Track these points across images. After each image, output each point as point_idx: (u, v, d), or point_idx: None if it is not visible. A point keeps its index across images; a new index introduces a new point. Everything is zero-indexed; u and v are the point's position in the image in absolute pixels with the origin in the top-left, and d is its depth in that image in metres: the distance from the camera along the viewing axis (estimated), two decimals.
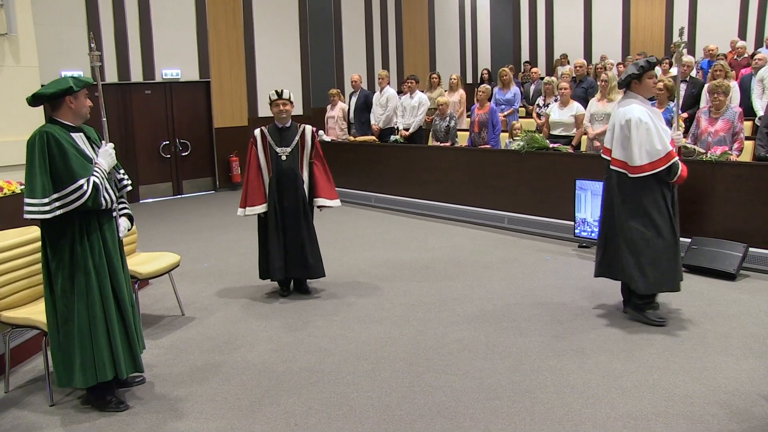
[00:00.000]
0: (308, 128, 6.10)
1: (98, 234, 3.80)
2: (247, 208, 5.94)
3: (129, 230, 4.13)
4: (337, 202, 6.17)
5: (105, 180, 3.78)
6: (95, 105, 3.94)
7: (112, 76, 11.49)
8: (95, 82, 3.99)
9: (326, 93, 12.34)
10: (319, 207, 6.07)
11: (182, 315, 5.66)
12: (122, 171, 4.14)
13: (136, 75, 11.93)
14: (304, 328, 5.26)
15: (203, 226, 9.54)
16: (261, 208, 5.94)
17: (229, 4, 13.10)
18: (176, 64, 12.40)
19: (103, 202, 3.73)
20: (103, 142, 3.95)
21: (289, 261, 5.95)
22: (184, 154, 12.74)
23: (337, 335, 5.10)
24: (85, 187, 3.63)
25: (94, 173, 3.71)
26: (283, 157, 5.91)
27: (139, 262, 5.29)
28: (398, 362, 4.54)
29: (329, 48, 15.34)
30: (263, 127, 6.04)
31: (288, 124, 6.00)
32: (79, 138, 3.80)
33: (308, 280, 6.22)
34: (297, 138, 5.98)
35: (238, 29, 13.30)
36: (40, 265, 4.02)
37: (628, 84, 5.14)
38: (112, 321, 3.82)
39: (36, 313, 4.16)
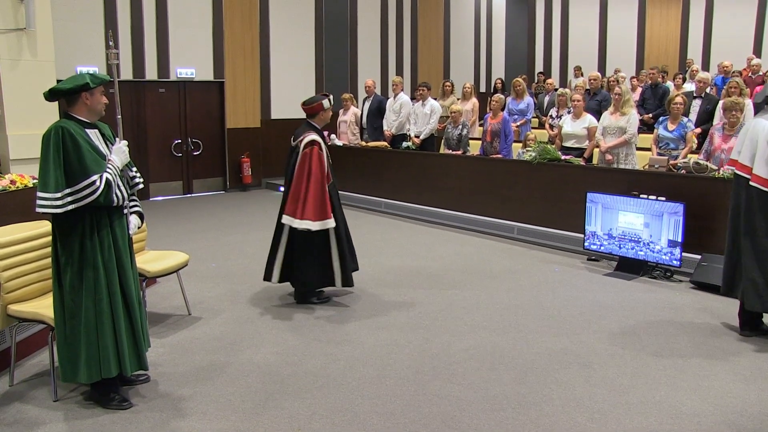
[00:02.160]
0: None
1: (108, 230, 3.81)
2: (327, 221, 5.60)
3: (139, 228, 4.15)
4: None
5: (117, 177, 3.79)
6: (111, 102, 3.96)
7: (127, 73, 11.54)
8: (112, 79, 4.00)
9: (339, 97, 12.35)
10: None
11: (189, 314, 5.66)
12: (135, 169, 4.16)
13: (151, 73, 11.98)
14: (310, 332, 5.26)
15: (212, 226, 9.55)
16: (333, 222, 5.69)
17: (246, 5, 13.14)
18: (191, 64, 12.45)
19: (115, 198, 3.75)
20: (117, 139, 3.97)
21: (353, 263, 6.02)
22: (195, 153, 12.78)
23: (343, 340, 5.08)
24: (97, 183, 3.64)
25: (108, 170, 3.72)
26: (331, 161, 5.90)
27: (148, 260, 5.30)
28: (404, 370, 4.52)
29: (344, 52, 15.37)
30: (313, 132, 5.82)
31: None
32: (93, 134, 3.82)
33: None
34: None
35: (253, 30, 13.35)
36: (49, 260, 4.03)
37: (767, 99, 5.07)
38: (119, 318, 3.82)
39: (43, 307, 4.16)
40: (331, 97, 5.88)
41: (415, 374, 4.45)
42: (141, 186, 4.18)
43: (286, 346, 4.97)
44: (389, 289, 6.40)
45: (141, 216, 4.18)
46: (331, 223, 5.59)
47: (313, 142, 5.65)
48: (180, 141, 12.59)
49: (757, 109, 5.31)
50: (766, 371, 4.53)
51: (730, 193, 5.37)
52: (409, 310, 5.76)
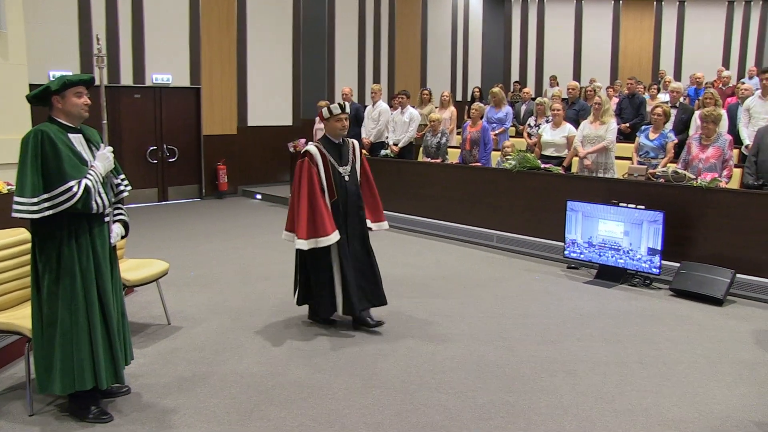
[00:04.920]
0: (355, 143, 5.54)
1: (88, 238, 3.70)
2: (321, 239, 5.08)
3: (123, 237, 4.04)
4: (384, 225, 5.62)
5: (99, 183, 3.68)
6: (96, 107, 3.84)
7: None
8: (87, 81, 3.81)
9: (316, 104, 12.32)
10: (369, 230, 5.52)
11: (168, 324, 5.55)
12: (122, 176, 4.05)
13: (126, 78, 11.85)
14: (293, 342, 5.18)
15: (189, 234, 9.44)
16: (335, 237, 5.11)
17: (224, 12, 13.06)
18: (167, 69, 12.33)
19: (95, 205, 3.64)
20: (101, 144, 3.86)
21: (361, 292, 5.34)
22: (171, 160, 12.64)
23: (327, 350, 5.02)
24: (75, 189, 3.54)
25: (88, 176, 3.62)
26: (346, 178, 5.28)
27: (127, 269, 5.20)
28: (390, 379, 4.48)
29: (321, 59, 15.34)
30: (316, 144, 5.29)
31: (342, 141, 5.38)
32: (76, 139, 3.72)
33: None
34: (351, 155, 5.39)
35: (231, 37, 13.27)
36: (24, 269, 3.92)
37: None
38: (95, 328, 3.71)
39: (19, 318, 4.05)
40: (338, 104, 5.30)
41: (401, 384, 4.41)
42: (126, 194, 4.07)
43: (270, 355, 4.89)
44: None
45: (125, 225, 4.06)
46: (324, 241, 5.08)
47: (304, 154, 5.24)
48: (155, 147, 12.45)
49: None
50: (748, 377, 4.57)
51: None
52: (393, 320, 5.70)
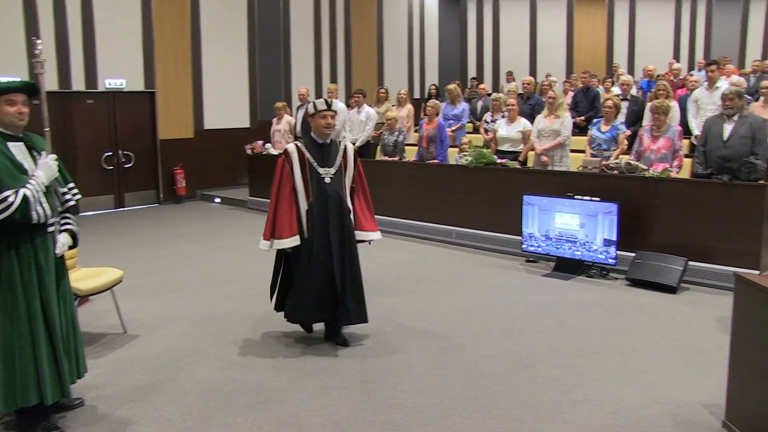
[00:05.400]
0: (350, 146, 5.19)
1: (30, 249, 3.57)
2: (275, 241, 4.88)
3: (70, 247, 3.91)
4: (377, 235, 5.25)
5: (40, 193, 3.54)
6: (38, 114, 3.73)
7: (52, 83, 11.13)
8: (22, 88, 3.65)
9: (273, 106, 12.24)
10: (359, 242, 5.15)
11: (124, 332, 5.46)
12: (71, 185, 3.92)
13: (78, 83, 11.62)
14: (251, 346, 5.14)
15: (146, 240, 9.30)
16: (291, 242, 4.85)
17: (177, 15, 12.90)
18: (121, 74, 12.13)
19: (35, 215, 3.50)
20: (43, 153, 3.75)
21: (344, 305, 4.95)
22: (127, 165, 12.45)
23: (286, 352, 4.99)
24: (11, 199, 3.41)
25: (28, 185, 3.48)
26: (327, 179, 4.92)
27: (79, 278, 5.10)
28: (349, 380, 4.47)
29: (277, 60, 15.25)
30: (297, 143, 5.03)
31: (329, 141, 5.05)
32: (16, 147, 3.59)
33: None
34: (340, 157, 5.05)
35: (185, 40, 13.12)
36: None
37: None
38: (39, 342, 3.57)
39: None
40: (324, 99, 5.00)
41: (360, 383, 4.40)
42: (73, 203, 3.93)
43: (228, 360, 4.84)
44: None
45: (73, 235, 3.94)
46: (279, 244, 4.87)
47: (283, 152, 5.06)
48: (111, 153, 12.24)
49: None
50: (699, 362, 4.68)
51: None
52: None
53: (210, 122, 13.70)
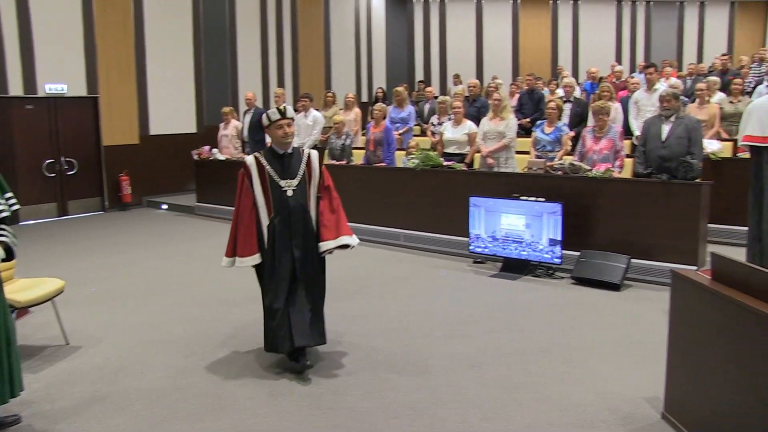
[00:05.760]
0: (314, 153, 4.86)
1: None
2: (237, 258, 4.63)
3: (4, 260, 3.78)
4: (350, 239, 4.78)
5: None
6: None
7: None
8: None
9: (220, 111, 12.12)
10: (323, 252, 4.77)
11: (66, 344, 5.32)
12: (8, 195, 3.81)
13: (16, 89, 11.29)
14: (198, 354, 5.07)
15: (90, 249, 9.10)
16: (251, 260, 4.60)
17: (119, 19, 12.65)
18: (62, 79, 11.84)
19: None
20: None
21: (302, 326, 4.57)
22: (70, 173, 12.14)
23: (232, 360, 4.94)
24: None
25: None
26: (289, 192, 4.63)
27: (16, 289, 4.96)
28: (296, 385, 4.44)
29: (224, 65, 15.09)
30: (256, 154, 4.71)
31: (290, 150, 4.74)
32: None
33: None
34: (303, 167, 4.72)
35: (128, 44, 12.87)
36: None
37: None
38: None
39: None
40: (276, 109, 4.68)
41: (308, 388, 4.39)
42: (7, 214, 3.82)
43: (174, 369, 4.77)
44: None
45: (7, 248, 3.81)
46: (241, 262, 4.60)
47: (242, 165, 4.74)
48: (52, 160, 11.93)
49: None
50: (641, 357, 4.79)
51: (753, 169, 5.93)
52: None
53: (156, 128, 13.48)
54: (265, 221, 4.64)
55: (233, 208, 4.75)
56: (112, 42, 12.54)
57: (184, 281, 7.15)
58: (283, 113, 4.64)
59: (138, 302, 6.43)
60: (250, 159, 4.70)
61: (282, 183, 4.63)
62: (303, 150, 4.86)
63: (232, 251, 4.69)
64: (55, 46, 11.70)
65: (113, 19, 12.52)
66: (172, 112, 13.81)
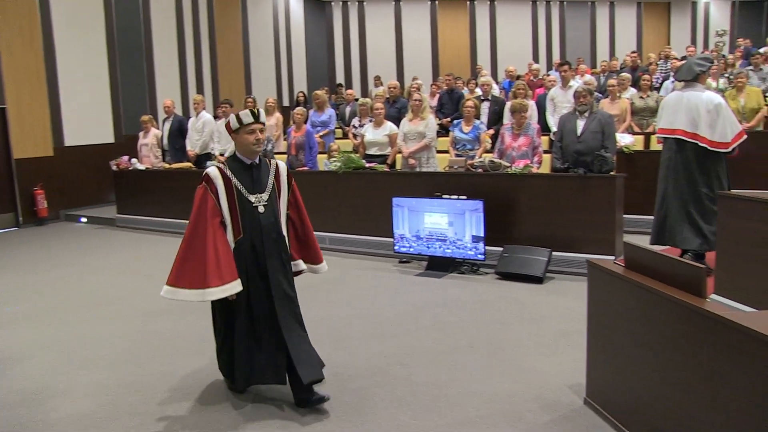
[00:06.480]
0: (281, 164, 4.32)
1: None
2: (211, 289, 3.87)
3: None
4: (323, 267, 4.58)
5: None
6: None
7: None
8: None
9: (138, 119, 11.84)
10: (296, 273, 4.44)
11: None
12: None
13: None
14: (124, 368, 4.94)
15: (5, 267, 8.72)
16: (233, 287, 3.91)
17: (25, 25, 12.16)
18: None
19: None
20: None
21: (294, 358, 4.01)
22: None
23: (158, 372, 4.83)
24: None
25: None
26: (260, 209, 4.08)
27: None
28: (222, 394, 4.38)
29: (140, 73, 14.74)
30: (220, 165, 4.14)
31: (258, 160, 4.17)
32: None
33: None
34: (272, 179, 4.20)
35: (36, 52, 12.38)
36: None
37: (696, 77, 6.18)
38: None
39: None
40: (249, 111, 4.09)
41: (234, 396, 4.33)
42: None
43: (99, 386, 4.62)
44: (202, 313, 6.16)
45: None
46: (222, 290, 3.89)
47: (203, 177, 4.12)
48: None
49: (683, 82, 6.41)
50: (564, 346, 4.95)
51: (661, 158, 6.46)
52: None
53: (71, 139, 13.03)
54: (230, 244, 4.03)
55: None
56: (18, 51, 12.04)
57: (107, 296, 6.95)
58: (256, 116, 4.06)
59: (58, 320, 6.21)
60: (213, 171, 4.06)
61: (252, 198, 4.06)
62: (270, 160, 4.31)
63: (203, 281, 3.88)
64: None
65: (16, 24, 12.00)
66: (88, 121, 13.38)
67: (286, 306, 4.09)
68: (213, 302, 4.12)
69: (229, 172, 4.05)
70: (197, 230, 3.97)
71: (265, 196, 4.10)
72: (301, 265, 4.44)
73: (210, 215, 3.97)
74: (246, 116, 4.04)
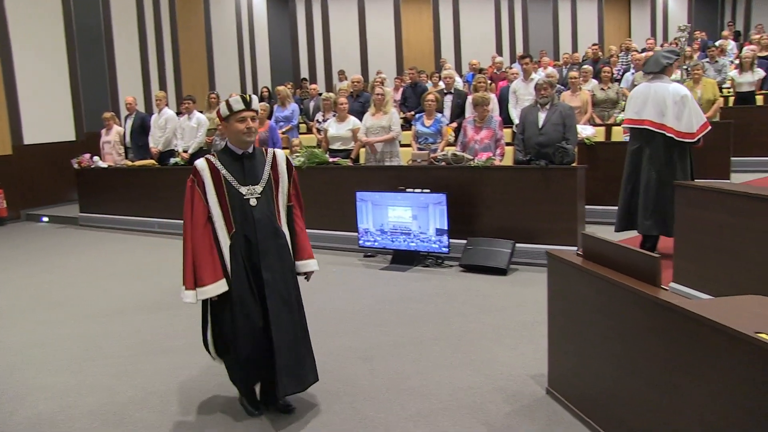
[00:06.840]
0: (279, 153, 4.03)
1: None
2: (198, 289, 3.69)
3: None
4: (312, 264, 4.16)
5: None
6: None
7: None
8: None
9: (100, 116, 11.66)
10: (305, 274, 4.14)
11: None
12: None
13: None
14: (85, 369, 4.88)
15: None
16: (216, 288, 3.70)
17: None
18: None
19: None
20: None
21: (277, 364, 3.74)
22: None
23: (120, 372, 4.78)
24: None
25: None
26: (252, 202, 3.80)
27: None
28: (189, 391, 4.37)
29: (101, 69, 14.51)
30: (209, 157, 3.87)
31: (251, 150, 3.91)
32: None
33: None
34: (268, 169, 3.92)
35: None
36: None
37: (663, 69, 6.31)
38: None
39: None
40: (240, 96, 3.81)
41: (200, 394, 4.32)
42: None
43: (59, 388, 4.56)
44: (167, 311, 6.13)
45: None
46: (203, 292, 3.69)
47: (192, 170, 3.86)
48: None
49: (650, 74, 6.50)
50: (527, 337, 5.00)
51: (628, 148, 6.60)
52: (188, 330, 5.49)
53: (30, 137, 12.77)
54: (225, 241, 3.76)
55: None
56: None
57: (68, 296, 6.85)
58: (248, 103, 3.78)
59: (16, 322, 6.10)
60: (201, 163, 3.81)
61: (243, 190, 3.79)
62: (266, 149, 4.00)
63: (193, 281, 3.71)
64: None
65: None
66: (48, 119, 13.13)
67: (280, 307, 3.79)
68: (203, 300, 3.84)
69: (218, 164, 3.79)
70: (185, 228, 3.79)
71: (258, 188, 3.82)
72: (310, 265, 4.11)
73: (196, 209, 3.75)
74: (236, 103, 3.77)
